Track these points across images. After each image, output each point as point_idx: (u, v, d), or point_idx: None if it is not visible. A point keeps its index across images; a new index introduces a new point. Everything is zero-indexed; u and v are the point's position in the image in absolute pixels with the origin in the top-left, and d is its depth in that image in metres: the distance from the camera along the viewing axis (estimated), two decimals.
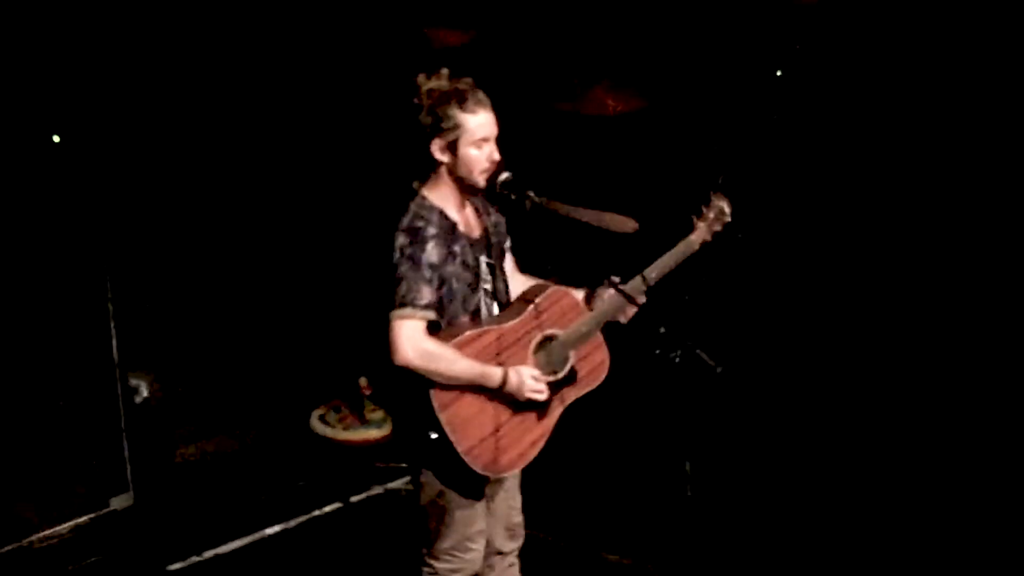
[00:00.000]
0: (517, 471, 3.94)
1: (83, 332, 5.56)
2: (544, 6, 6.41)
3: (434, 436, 3.71)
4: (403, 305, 3.69)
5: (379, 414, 6.31)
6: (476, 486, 3.88)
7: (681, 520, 4.55)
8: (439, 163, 3.80)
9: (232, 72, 6.10)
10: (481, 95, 3.78)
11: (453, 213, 3.84)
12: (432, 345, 3.70)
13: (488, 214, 3.98)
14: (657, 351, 3.78)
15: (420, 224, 3.76)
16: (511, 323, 3.85)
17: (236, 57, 6.08)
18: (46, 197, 5.46)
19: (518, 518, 4.13)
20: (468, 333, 3.76)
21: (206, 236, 6.19)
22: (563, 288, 3.97)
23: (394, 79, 5.23)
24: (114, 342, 5.62)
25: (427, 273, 3.71)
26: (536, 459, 3.89)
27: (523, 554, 4.18)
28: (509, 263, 4.06)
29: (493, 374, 3.75)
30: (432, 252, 3.73)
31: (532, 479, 4.09)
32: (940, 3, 5.70)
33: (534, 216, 3.75)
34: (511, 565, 4.16)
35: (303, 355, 6.38)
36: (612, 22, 6.26)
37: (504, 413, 3.81)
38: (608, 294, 3.88)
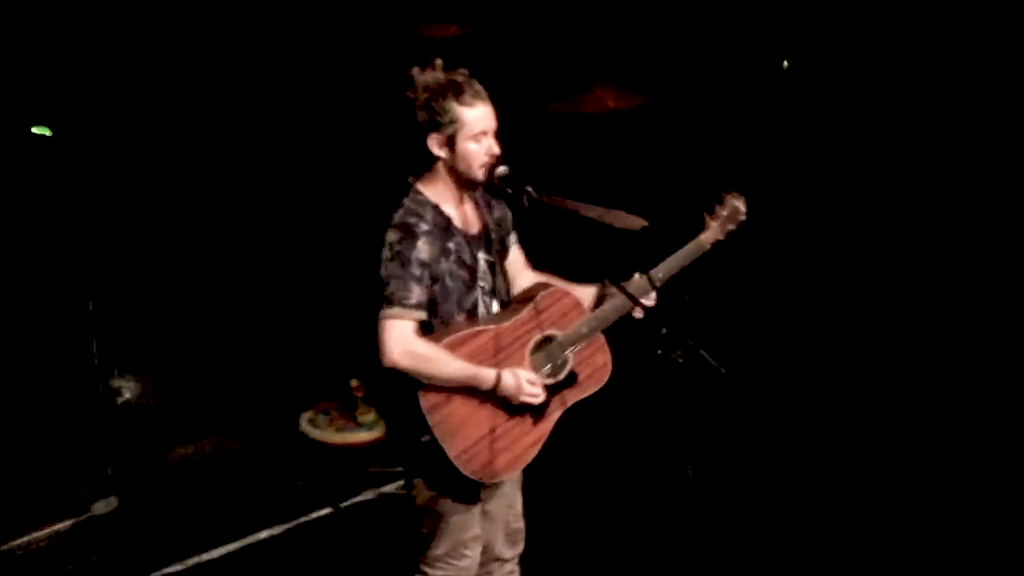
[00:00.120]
0: (514, 476, 3.88)
1: (64, 334, 5.55)
2: (542, 1, 6.38)
3: (425, 439, 3.66)
4: (392, 304, 3.64)
5: (371, 416, 6.28)
6: (470, 491, 3.82)
7: (683, 524, 4.49)
8: (436, 158, 3.73)
9: (221, 66, 6.10)
10: (478, 87, 3.71)
11: (449, 208, 3.78)
12: (421, 346, 3.65)
13: (491, 209, 3.91)
14: (659, 352, 3.69)
15: (412, 220, 3.70)
16: (508, 322, 3.78)
17: (225, 51, 6.07)
18: (28, 195, 5.41)
19: (518, 524, 4.07)
20: (461, 333, 3.70)
21: (195, 236, 6.21)
22: (564, 287, 3.90)
23: (386, 73, 5.16)
24: (95, 344, 5.56)
25: (417, 271, 3.66)
26: (535, 463, 3.82)
27: (524, 561, 4.13)
28: (519, 259, 4.00)
29: (486, 376, 3.69)
30: (423, 249, 3.68)
31: (531, 483, 4.05)
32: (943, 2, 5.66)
33: (533, 211, 3.69)
34: (511, 572, 4.11)
35: (293, 356, 6.36)
36: (610, 19, 6.22)
37: (499, 416, 3.75)
38: (612, 294, 3.80)
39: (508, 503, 4.01)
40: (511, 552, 4.06)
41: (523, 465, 3.81)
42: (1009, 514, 5.07)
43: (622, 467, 5.77)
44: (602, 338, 3.87)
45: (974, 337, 5.76)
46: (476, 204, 3.87)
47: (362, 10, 6.32)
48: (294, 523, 5.57)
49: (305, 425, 6.30)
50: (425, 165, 3.77)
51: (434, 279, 3.69)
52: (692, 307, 4.51)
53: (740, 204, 3.95)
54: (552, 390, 3.79)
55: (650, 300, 3.82)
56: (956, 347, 5.74)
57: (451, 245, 3.74)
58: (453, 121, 3.66)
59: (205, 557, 5.31)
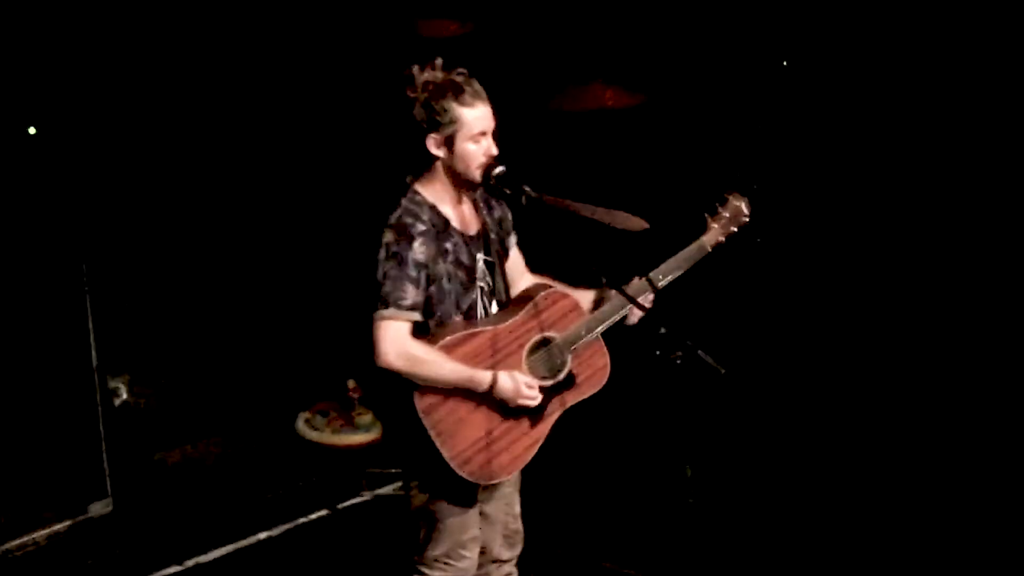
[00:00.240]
0: (512, 477, 3.86)
1: (61, 334, 5.52)
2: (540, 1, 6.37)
3: (419, 441, 3.64)
4: (387, 305, 3.63)
5: (368, 417, 6.27)
6: (467, 492, 3.81)
7: (682, 527, 4.48)
8: (435, 158, 3.72)
9: (215, 66, 6.06)
10: (477, 87, 3.70)
11: (447, 209, 3.77)
12: (416, 348, 3.64)
13: (490, 209, 3.90)
14: (658, 352, 3.67)
15: (408, 221, 3.68)
16: (506, 324, 3.77)
17: (219, 50, 6.03)
18: (24, 195, 5.41)
19: (516, 525, 4.06)
20: (458, 335, 3.69)
21: (190, 236, 6.19)
22: (563, 289, 3.88)
23: (384, 72, 5.14)
24: (93, 345, 5.56)
25: (413, 272, 3.64)
26: (534, 464, 3.81)
27: (521, 563, 4.11)
28: (519, 262, 3.99)
29: (481, 378, 3.68)
30: (419, 250, 3.66)
31: (530, 485, 4.03)
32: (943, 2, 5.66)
33: (531, 211, 3.68)
34: (509, 574, 4.09)
35: (289, 357, 6.33)
36: (610, 17, 6.21)
37: (495, 418, 3.73)
38: (611, 296, 3.79)
39: (506, 504, 3.99)
40: (509, 554, 4.05)
41: (520, 467, 3.79)
42: (1009, 514, 5.07)
43: (621, 468, 5.76)
44: (601, 340, 3.85)
45: (973, 337, 5.75)
46: (475, 204, 3.85)
47: (360, 9, 6.30)
48: (291, 524, 5.57)
49: (302, 426, 6.29)
50: (423, 165, 3.75)
51: (431, 280, 3.68)
52: (691, 307, 4.50)
53: (743, 205, 3.91)
54: (550, 392, 3.78)
55: (646, 302, 3.80)
56: (955, 348, 5.73)
57: (448, 246, 3.72)
58: (452, 121, 3.65)
59: (202, 559, 5.30)
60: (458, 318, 3.73)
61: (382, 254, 3.65)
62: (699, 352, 3.61)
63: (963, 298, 5.74)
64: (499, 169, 3.69)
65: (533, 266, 4.04)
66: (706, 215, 3.90)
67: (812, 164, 5.98)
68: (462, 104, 3.64)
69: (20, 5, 5.39)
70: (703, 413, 4.24)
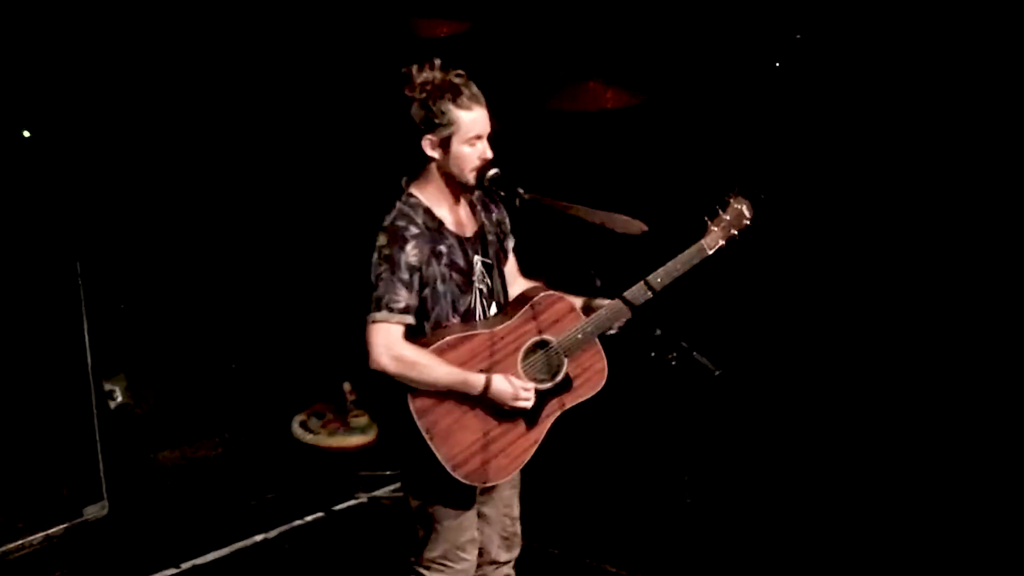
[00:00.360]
0: (509, 479, 3.85)
1: (56, 337, 5.50)
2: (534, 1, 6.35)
3: (414, 443, 3.63)
4: (379, 308, 3.63)
5: (363, 420, 6.26)
6: (465, 495, 3.81)
7: (679, 528, 4.47)
8: (429, 159, 3.71)
9: (210, 67, 6.03)
10: (475, 89, 3.69)
11: (443, 211, 3.76)
12: (408, 351, 3.64)
13: (488, 211, 3.89)
14: (653, 354, 3.67)
15: (402, 223, 3.68)
16: (501, 327, 3.77)
17: (213, 51, 6.00)
18: (19, 197, 5.39)
19: (515, 527, 4.05)
20: (452, 337, 3.69)
21: (185, 238, 6.17)
22: (558, 292, 3.86)
23: (379, 71, 5.14)
24: (88, 347, 5.54)
25: (406, 275, 3.64)
26: (531, 466, 3.81)
27: (519, 565, 4.11)
28: (512, 265, 3.98)
29: (475, 381, 3.68)
30: (412, 253, 3.66)
31: (527, 486, 4.03)
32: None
33: (526, 213, 3.67)
34: None
35: (285, 359, 6.31)
36: (607, 17, 6.20)
37: (490, 421, 3.73)
38: (609, 300, 3.78)
39: (505, 506, 3.99)
40: (507, 556, 4.04)
41: (517, 469, 3.79)
42: (1008, 514, 5.07)
43: (617, 469, 5.76)
44: (598, 343, 3.85)
45: (971, 338, 5.73)
46: (472, 206, 3.85)
47: (355, 8, 6.28)
48: (287, 527, 5.56)
49: (297, 428, 6.27)
50: (418, 166, 3.75)
51: (424, 283, 3.68)
52: (686, 308, 4.50)
53: (745, 209, 3.89)
54: (547, 395, 3.78)
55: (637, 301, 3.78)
56: (953, 349, 5.72)
57: (442, 248, 3.71)
58: (449, 123, 3.64)
59: (198, 561, 5.28)
60: (455, 320, 3.73)
61: (375, 257, 3.65)
62: (694, 353, 3.61)
63: (961, 299, 5.73)
64: (493, 171, 3.68)
65: (530, 269, 4.03)
66: (706, 219, 3.88)
67: (809, 164, 5.97)
68: (459, 107, 3.63)
69: (15, 6, 5.38)
70: (698, 414, 4.24)
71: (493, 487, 3.87)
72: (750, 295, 6.08)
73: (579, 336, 3.78)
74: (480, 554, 3.94)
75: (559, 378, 3.78)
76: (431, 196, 3.74)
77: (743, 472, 5.59)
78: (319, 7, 6.20)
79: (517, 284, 3.95)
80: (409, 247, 3.65)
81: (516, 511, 4.03)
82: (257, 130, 6.18)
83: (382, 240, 3.66)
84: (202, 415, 6.19)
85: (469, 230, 3.80)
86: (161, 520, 5.57)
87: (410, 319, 3.66)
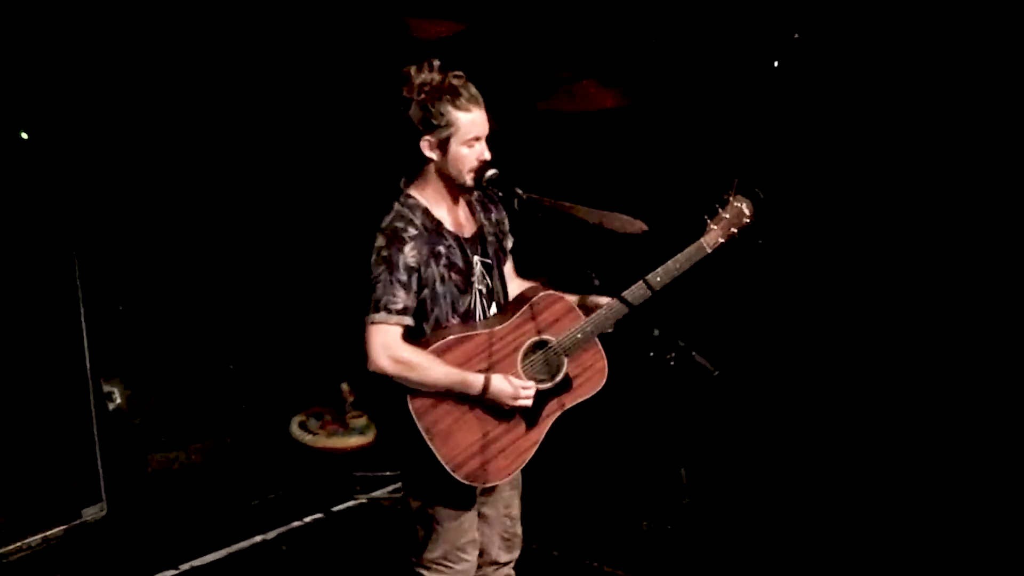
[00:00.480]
0: (509, 480, 3.85)
1: (55, 338, 5.49)
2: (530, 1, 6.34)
3: (414, 444, 3.63)
4: (377, 310, 3.63)
5: (362, 420, 6.25)
6: (465, 495, 3.81)
7: (677, 525, 4.47)
8: (427, 160, 3.71)
9: (207, 68, 6.01)
10: (474, 91, 3.69)
11: (441, 212, 3.76)
12: (407, 352, 3.64)
13: (487, 211, 3.89)
14: (651, 354, 3.67)
15: (400, 225, 3.68)
16: (501, 327, 3.77)
17: (210, 51, 5.98)
18: (17, 198, 5.38)
19: (515, 528, 4.05)
20: (451, 338, 3.69)
21: (182, 239, 6.15)
22: (557, 292, 3.86)
23: (375, 72, 5.13)
24: (86, 349, 5.53)
25: (404, 276, 3.64)
26: (529, 466, 3.81)
27: (519, 566, 4.11)
28: (509, 265, 3.97)
29: (473, 381, 3.68)
30: (410, 254, 3.66)
31: (525, 487, 4.03)
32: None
33: (524, 214, 3.67)
34: None
35: (283, 360, 6.30)
36: (602, 17, 6.19)
37: (490, 421, 3.73)
38: (608, 300, 3.78)
39: (506, 507, 3.99)
40: (507, 556, 4.04)
41: (516, 470, 3.79)
42: (1006, 515, 5.07)
43: (615, 470, 5.76)
44: (598, 343, 3.84)
45: (969, 340, 5.73)
46: (471, 206, 3.85)
47: (350, 9, 6.27)
48: (285, 528, 5.55)
49: (296, 429, 6.26)
50: (415, 166, 3.74)
51: (423, 284, 3.68)
52: (685, 308, 4.49)
53: (745, 207, 3.87)
54: (547, 394, 3.78)
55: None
56: (951, 350, 5.71)
57: (441, 249, 3.71)
58: (448, 125, 3.63)
59: (197, 563, 5.28)
60: (455, 321, 3.73)
61: (373, 258, 3.65)
62: (693, 353, 3.61)
63: (958, 301, 5.72)
64: (491, 172, 3.68)
65: (529, 269, 4.03)
66: (705, 217, 3.87)
67: (807, 164, 5.97)
68: (458, 108, 3.63)
69: (11, 8, 5.37)
70: (697, 414, 4.24)
71: (493, 487, 3.87)
72: (749, 295, 6.08)
73: (579, 336, 3.78)
74: (480, 555, 3.94)
75: (559, 378, 3.78)
76: (430, 197, 3.74)
77: (741, 472, 5.58)
78: (315, 8, 6.19)
79: (514, 284, 3.95)
80: (407, 248, 3.65)
81: (516, 511, 4.03)
82: (255, 132, 6.16)
83: (380, 242, 3.66)
84: (200, 416, 6.16)
85: (468, 230, 3.80)
86: (160, 521, 5.56)
87: (408, 320, 3.66)
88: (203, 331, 6.19)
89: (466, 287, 3.75)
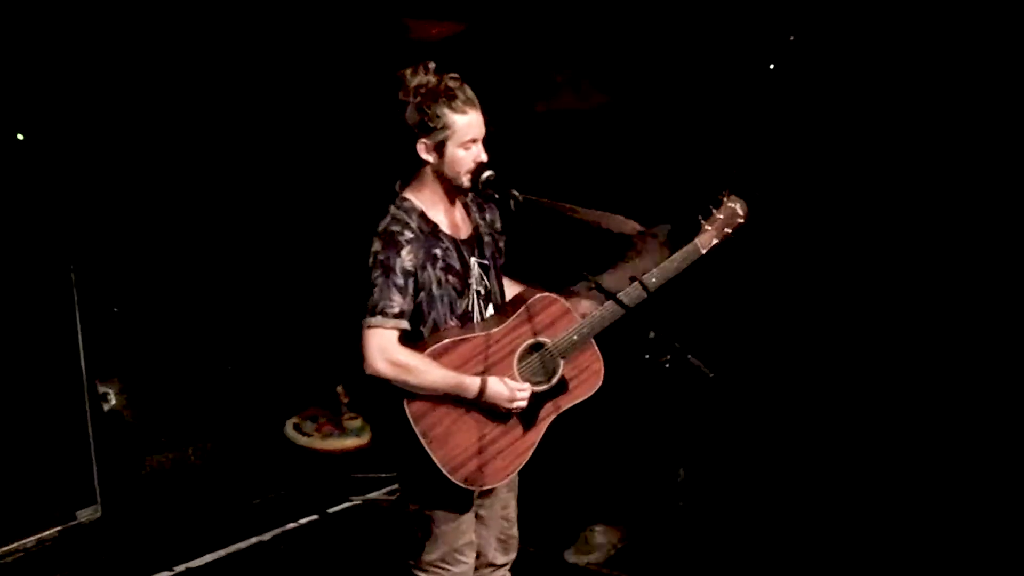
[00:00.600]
0: (506, 482, 3.84)
1: (50, 340, 5.49)
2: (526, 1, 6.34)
3: (411, 447, 3.63)
4: (374, 313, 3.63)
5: (357, 422, 6.25)
6: (462, 498, 3.81)
7: (674, 527, 4.47)
8: (423, 162, 3.70)
9: (203, 72, 6.00)
10: (470, 93, 3.68)
11: (438, 214, 3.76)
12: (403, 355, 3.63)
13: (482, 212, 3.89)
14: (647, 356, 3.66)
15: (396, 228, 3.67)
16: (497, 329, 3.77)
17: (206, 55, 5.98)
18: (13, 200, 5.38)
19: (512, 530, 4.05)
20: (447, 341, 3.69)
21: (179, 241, 6.15)
22: (552, 294, 3.86)
23: (371, 73, 5.12)
24: (81, 350, 5.52)
25: (400, 280, 3.64)
26: (527, 469, 3.81)
27: (515, 568, 4.10)
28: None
29: (470, 385, 3.68)
30: (407, 258, 3.65)
31: (521, 489, 4.03)
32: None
33: (521, 215, 3.66)
34: None
35: (278, 362, 6.29)
36: (599, 17, 6.19)
37: (487, 424, 3.73)
38: (604, 301, 3.78)
39: (503, 508, 3.99)
40: (504, 558, 4.04)
41: (513, 472, 3.79)
42: (1003, 517, 5.07)
43: (611, 472, 5.76)
44: (594, 345, 3.85)
45: (967, 339, 5.73)
46: (467, 208, 3.85)
47: (346, 10, 6.27)
48: (281, 530, 5.55)
49: (291, 431, 6.26)
50: (410, 168, 3.74)
51: (420, 287, 3.67)
52: (680, 311, 4.49)
53: (739, 208, 3.89)
54: (543, 397, 3.78)
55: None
56: (947, 352, 5.72)
57: (437, 251, 3.71)
58: (444, 127, 3.63)
59: (192, 564, 5.28)
60: (453, 323, 3.73)
61: (370, 262, 3.64)
62: (688, 356, 3.61)
63: (956, 299, 5.73)
64: (488, 174, 3.68)
65: (526, 270, 4.03)
66: (700, 218, 3.88)
67: (805, 165, 5.97)
68: (454, 110, 3.62)
69: (9, 8, 5.37)
70: (693, 417, 4.23)
71: (491, 490, 3.86)
72: (744, 298, 6.08)
73: (574, 338, 3.78)
74: (477, 556, 3.93)
75: (555, 380, 3.78)
76: (426, 199, 3.74)
77: (737, 475, 5.58)
78: (311, 9, 6.18)
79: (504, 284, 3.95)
80: (404, 252, 3.64)
81: (513, 513, 4.02)
82: (251, 134, 6.16)
83: (377, 246, 3.65)
84: (196, 418, 6.16)
85: (464, 232, 3.80)
86: (155, 523, 5.56)
87: (405, 324, 3.65)
88: (198, 333, 6.19)
89: (463, 289, 3.75)
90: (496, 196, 3.70)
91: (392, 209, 3.71)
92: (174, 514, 5.63)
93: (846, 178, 5.91)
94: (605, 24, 6.18)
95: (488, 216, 3.90)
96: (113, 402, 5.83)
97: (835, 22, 5.85)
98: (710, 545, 4.97)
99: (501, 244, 3.93)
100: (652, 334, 3.66)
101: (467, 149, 3.66)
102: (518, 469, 3.79)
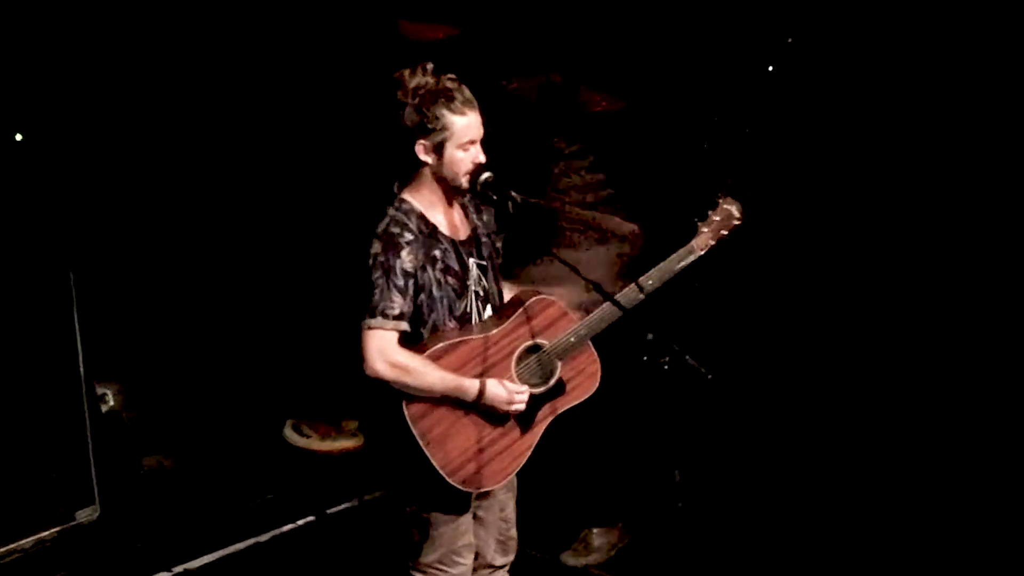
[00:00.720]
0: (504, 484, 3.85)
1: (48, 340, 5.48)
2: (524, 3, 6.32)
3: (409, 449, 3.64)
4: (374, 315, 3.63)
5: (355, 424, 6.21)
6: (460, 500, 3.81)
7: (670, 529, 4.47)
8: (422, 163, 3.70)
9: (200, 76, 6.00)
10: (468, 94, 3.69)
11: (436, 215, 3.76)
12: (403, 357, 3.64)
13: (479, 212, 3.89)
14: (645, 358, 3.67)
15: (396, 230, 3.68)
16: (495, 331, 3.77)
17: (203, 59, 5.97)
18: (11, 202, 5.38)
19: (511, 531, 4.06)
20: (446, 343, 3.69)
21: (178, 242, 6.14)
22: (550, 296, 3.86)
23: (369, 74, 5.11)
24: (80, 351, 5.51)
25: (400, 282, 3.64)
26: (523, 470, 3.82)
27: (514, 569, 4.11)
28: None
29: (469, 387, 3.68)
30: (407, 259, 3.66)
31: (519, 490, 4.03)
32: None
33: (520, 217, 3.67)
34: None
35: (277, 363, 6.28)
36: (596, 20, 6.18)
37: (485, 426, 3.74)
38: (602, 304, 3.77)
39: (501, 510, 3.99)
40: (503, 560, 4.05)
41: (511, 474, 3.80)
42: (1000, 519, 5.07)
43: (609, 473, 5.75)
44: (591, 346, 3.85)
45: (963, 340, 5.73)
46: (464, 208, 3.85)
47: (342, 11, 6.26)
48: (279, 531, 5.54)
49: (290, 432, 6.25)
50: (409, 169, 3.74)
51: (420, 289, 3.68)
52: (679, 311, 4.50)
53: (734, 209, 3.90)
54: (541, 399, 3.78)
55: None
56: (947, 351, 5.71)
57: (437, 253, 3.71)
58: (443, 128, 3.63)
59: (190, 565, 5.28)
60: (452, 325, 3.73)
61: (370, 264, 3.65)
62: (686, 357, 3.62)
63: (952, 301, 5.73)
64: (486, 175, 3.68)
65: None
66: (696, 220, 3.89)
67: (802, 168, 5.97)
68: (453, 111, 3.63)
69: (5, 10, 5.37)
70: (691, 418, 4.23)
71: (488, 491, 3.86)
72: (743, 299, 6.07)
73: (571, 340, 3.78)
74: (476, 557, 3.95)
75: (552, 382, 3.78)
76: (424, 201, 3.74)
77: (736, 476, 5.58)
78: (309, 11, 6.18)
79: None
80: (404, 253, 3.65)
81: (512, 514, 4.03)
82: (248, 137, 6.16)
83: (376, 247, 3.65)
84: (194, 419, 6.16)
85: (463, 233, 3.80)
86: (153, 524, 5.54)
87: (405, 326, 3.66)
88: (197, 334, 6.18)
89: (462, 290, 3.75)
90: (495, 198, 3.70)
91: (391, 211, 3.71)
92: (172, 515, 5.62)
93: (844, 180, 5.91)
94: (601, 26, 6.18)
95: (485, 216, 3.90)
96: (111, 403, 5.83)
97: (834, 24, 5.85)
98: (708, 546, 4.97)
99: (498, 244, 3.93)
100: (651, 336, 3.67)
101: (466, 150, 3.66)
102: (516, 471, 3.80)
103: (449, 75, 3.69)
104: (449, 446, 3.67)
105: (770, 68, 5.79)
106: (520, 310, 3.78)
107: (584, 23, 6.17)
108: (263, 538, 5.49)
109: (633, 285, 3.79)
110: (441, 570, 3.84)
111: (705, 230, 3.88)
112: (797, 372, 5.90)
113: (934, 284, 5.73)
